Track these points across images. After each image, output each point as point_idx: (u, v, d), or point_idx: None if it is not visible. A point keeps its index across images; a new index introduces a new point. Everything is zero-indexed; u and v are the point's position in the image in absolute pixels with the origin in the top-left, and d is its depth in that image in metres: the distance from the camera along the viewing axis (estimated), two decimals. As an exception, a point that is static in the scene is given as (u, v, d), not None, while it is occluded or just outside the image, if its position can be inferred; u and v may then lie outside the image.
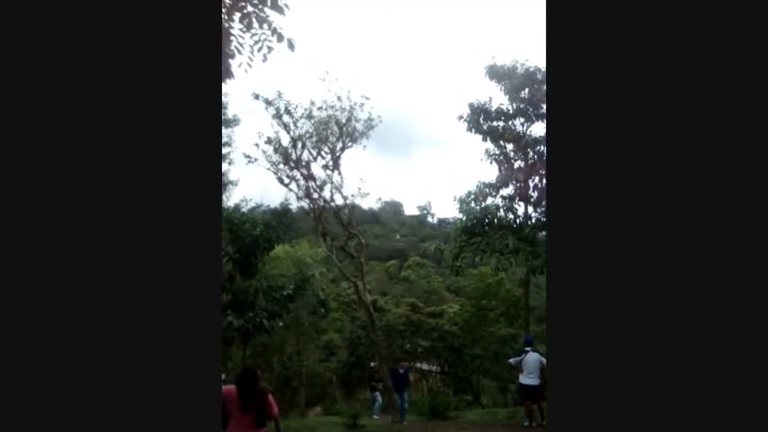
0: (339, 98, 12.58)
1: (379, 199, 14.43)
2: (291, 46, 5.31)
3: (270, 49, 5.29)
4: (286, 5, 4.99)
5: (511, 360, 10.26)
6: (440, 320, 20.19)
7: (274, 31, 5.19)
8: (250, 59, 5.00)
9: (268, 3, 5.03)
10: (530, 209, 13.15)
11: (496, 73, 13.02)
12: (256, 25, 5.24)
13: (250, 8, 5.09)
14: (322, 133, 12.70)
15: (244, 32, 5.04)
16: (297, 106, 12.45)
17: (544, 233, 12.73)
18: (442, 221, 45.07)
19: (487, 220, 13.04)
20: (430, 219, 43.39)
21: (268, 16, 5.21)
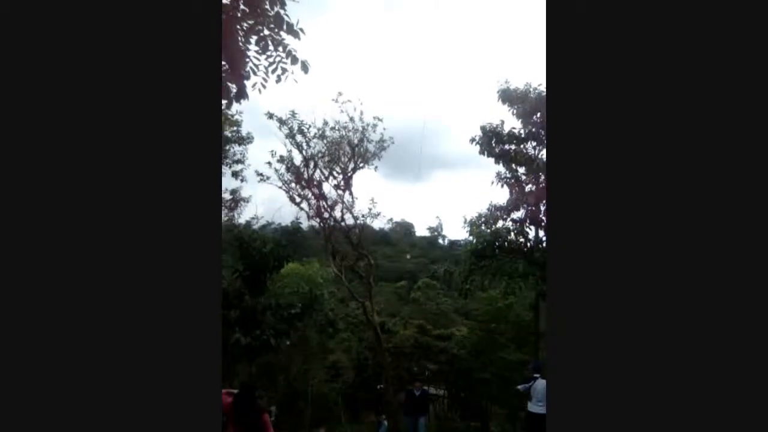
0: (351, 119, 12.75)
1: (390, 219, 14.59)
2: (305, 68, 5.40)
3: (284, 70, 5.40)
4: (301, 29, 5.10)
5: (519, 387, 10.05)
6: (448, 343, 19.95)
7: (289, 54, 5.30)
8: (265, 80, 5.11)
9: (284, 27, 5.15)
10: (541, 233, 13.09)
11: (508, 96, 13.09)
12: (271, 47, 5.37)
13: (266, 31, 5.21)
14: (335, 154, 12.82)
15: (259, 54, 5.17)
16: (310, 126, 12.62)
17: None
18: (453, 243, 44.87)
19: (497, 243, 12.99)
20: (441, 241, 43.27)
21: (283, 39, 5.33)
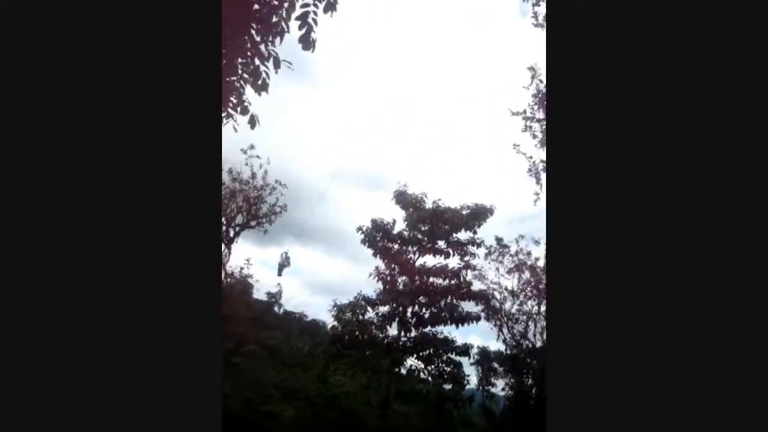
0: (253, 176, 12.45)
1: (231, 274, 13.69)
2: (252, 122, 5.40)
3: (230, 116, 5.36)
4: (266, 90, 5.17)
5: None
6: (275, 423, 18.83)
7: (240, 103, 5.30)
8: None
9: (260, 82, 5.19)
10: (402, 333, 13.62)
11: (403, 199, 13.94)
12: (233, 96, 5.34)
13: (233, 78, 5.19)
14: (226, 206, 12.27)
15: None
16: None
17: (410, 358, 13.19)
18: (287, 314, 43.75)
19: (357, 333, 13.18)
20: (276, 309, 42.04)
21: (242, 88, 5.33)
